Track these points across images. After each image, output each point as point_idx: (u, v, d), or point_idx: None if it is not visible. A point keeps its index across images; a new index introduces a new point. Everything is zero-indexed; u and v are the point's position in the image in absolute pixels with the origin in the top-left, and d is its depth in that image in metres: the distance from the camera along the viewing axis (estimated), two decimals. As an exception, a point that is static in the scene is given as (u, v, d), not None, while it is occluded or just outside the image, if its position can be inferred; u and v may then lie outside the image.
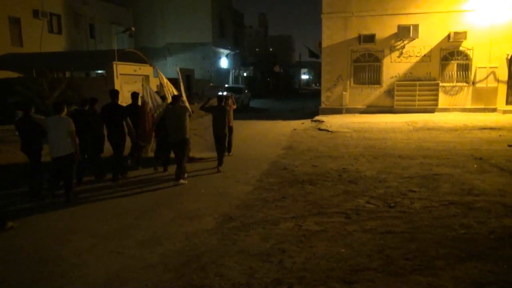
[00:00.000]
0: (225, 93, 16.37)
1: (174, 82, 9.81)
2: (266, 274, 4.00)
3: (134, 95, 8.79)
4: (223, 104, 8.96)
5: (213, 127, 8.82)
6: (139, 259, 4.42)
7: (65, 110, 6.65)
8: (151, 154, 9.01)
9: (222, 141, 8.88)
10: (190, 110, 8.34)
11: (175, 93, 8.90)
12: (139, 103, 8.75)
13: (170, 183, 7.57)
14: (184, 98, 9.17)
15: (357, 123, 16.05)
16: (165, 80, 9.30)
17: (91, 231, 5.29)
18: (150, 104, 8.58)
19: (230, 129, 9.83)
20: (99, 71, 18.28)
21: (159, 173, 8.47)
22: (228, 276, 3.98)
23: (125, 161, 8.52)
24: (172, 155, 8.25)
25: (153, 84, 18.54)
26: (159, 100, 8.84)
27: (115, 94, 8.23)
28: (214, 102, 9.14)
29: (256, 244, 4.69)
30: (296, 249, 4.54)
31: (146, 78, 17.25)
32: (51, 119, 6.58)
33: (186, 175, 7.90)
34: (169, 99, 8.55)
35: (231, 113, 10.04)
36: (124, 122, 7.99)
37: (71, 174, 6.60)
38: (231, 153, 10.16)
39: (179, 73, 9.81)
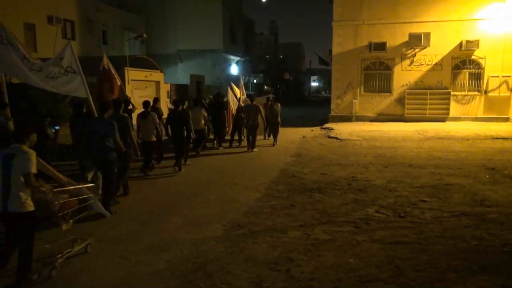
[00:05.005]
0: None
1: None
2: (274, 283, 3.95)
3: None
4: (271, 102, 13.29)
5: (266, 119, 12.77)
6: (146, 265, 4.41)
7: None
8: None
9: (275, 127, 13.03)
10: (261, 108, 12.21)
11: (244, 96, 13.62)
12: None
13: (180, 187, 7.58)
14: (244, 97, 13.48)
15: (367, 131, 15.96)
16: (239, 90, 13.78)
17: (98, 236, 5.30)
18: (231, 105, 12.85)
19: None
20: (111, 77, 18.48)
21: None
22: (235, 284, 3.95)
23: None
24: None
25: (164, 90, 18.70)
26: (235, 100, 13.20)
27: (219, 94, 13.27)
28: (263, 100, 13.64)
29: (264, 252, 4.65)
30: (304, 258, 4.49)
31: (157, 84, 17.39)
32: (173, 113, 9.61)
33: (256, 149, 11.77)
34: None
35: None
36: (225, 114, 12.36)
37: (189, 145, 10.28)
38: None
39: (241, 81, 14.24)
